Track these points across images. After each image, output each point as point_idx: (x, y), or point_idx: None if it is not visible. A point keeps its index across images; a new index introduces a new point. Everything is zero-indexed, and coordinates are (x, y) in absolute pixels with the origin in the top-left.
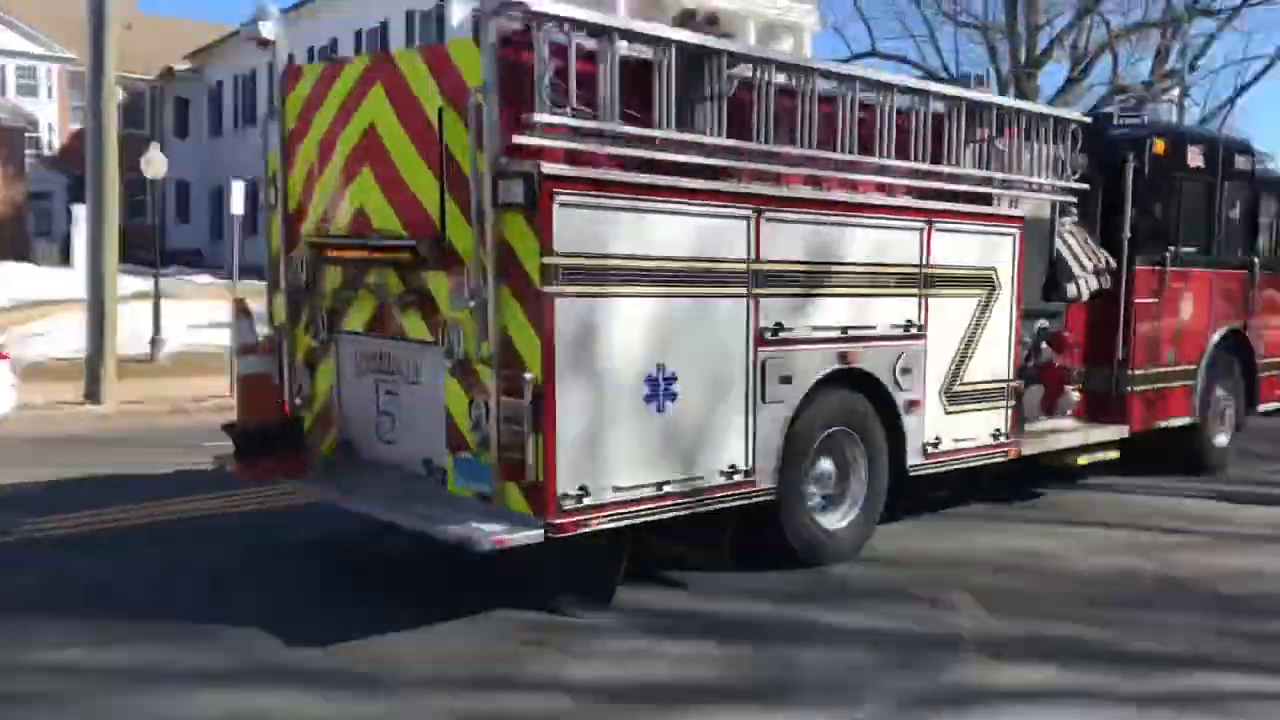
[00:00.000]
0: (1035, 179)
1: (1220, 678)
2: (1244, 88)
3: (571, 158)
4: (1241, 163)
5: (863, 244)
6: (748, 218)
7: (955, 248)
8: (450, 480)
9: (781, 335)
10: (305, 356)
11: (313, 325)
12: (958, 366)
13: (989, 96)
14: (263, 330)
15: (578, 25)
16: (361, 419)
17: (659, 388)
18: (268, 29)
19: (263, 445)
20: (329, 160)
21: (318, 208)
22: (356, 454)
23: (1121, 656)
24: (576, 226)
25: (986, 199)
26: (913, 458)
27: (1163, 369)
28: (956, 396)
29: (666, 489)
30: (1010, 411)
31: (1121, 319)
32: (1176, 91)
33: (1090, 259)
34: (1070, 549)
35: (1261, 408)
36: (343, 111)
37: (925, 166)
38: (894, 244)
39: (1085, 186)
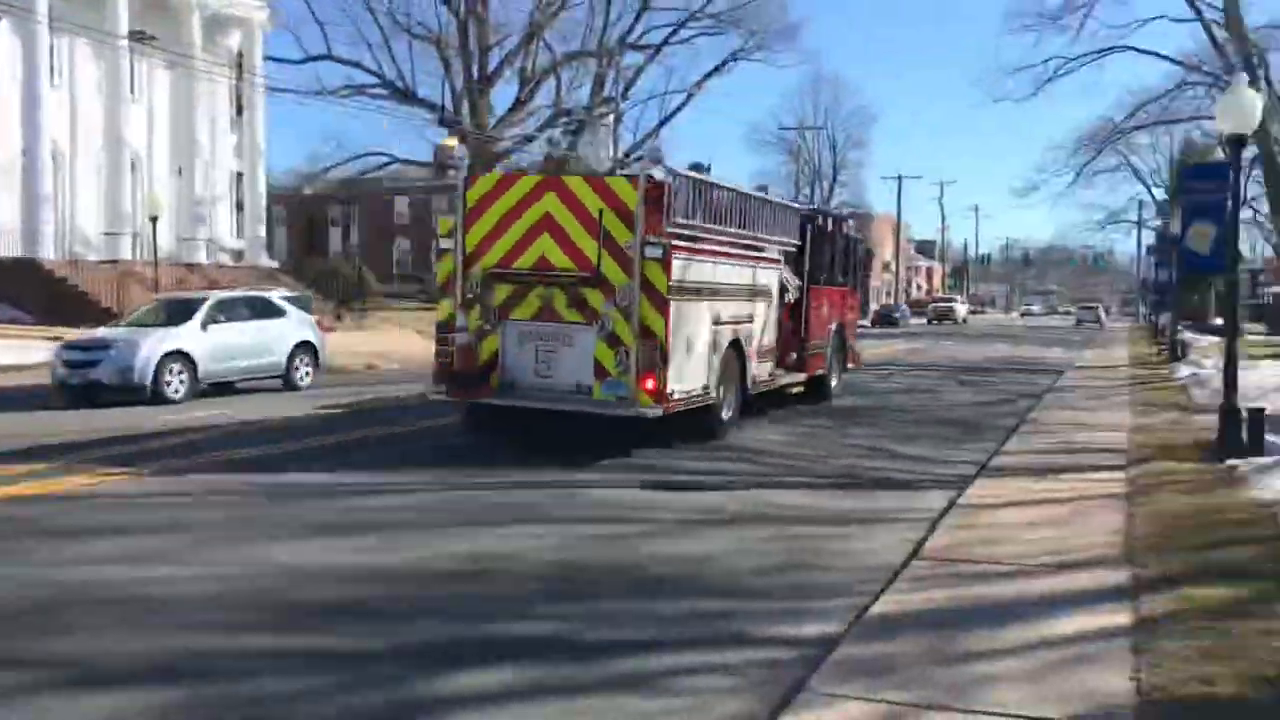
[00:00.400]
0: (780, 239)
1: (664, 658)
2: (667, 118)
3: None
4: (847, 228)
5: (739, 275)
6: (709, 263)
7: (761, 276)
8: (596, 391)
9: (719, 322)
10: (476, 334)
11: (484, 317)
12: (761, 338)
13: (767, 196)
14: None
15: (661, 182)
16: (523, 367)
17: (694, 348)
18: (460, 150)
19: (466, 382)
20: (507, 229)
21: (496, 254)
22: (516, 387)
23: (578, 647)
24: (679, 269)
25: (767, 250)
26: (749, 386)
27: (816, 343)
28: (762, 354)
29: (692, 394)
30: (775, 362)
31: (803, 315)
32: (612, 117)
33: (793, 280)
34: (526, 549)
35: (850, 367)
36: (521, 203)
37: (753, 234)
38: (744, 274)
39: (799, 242)
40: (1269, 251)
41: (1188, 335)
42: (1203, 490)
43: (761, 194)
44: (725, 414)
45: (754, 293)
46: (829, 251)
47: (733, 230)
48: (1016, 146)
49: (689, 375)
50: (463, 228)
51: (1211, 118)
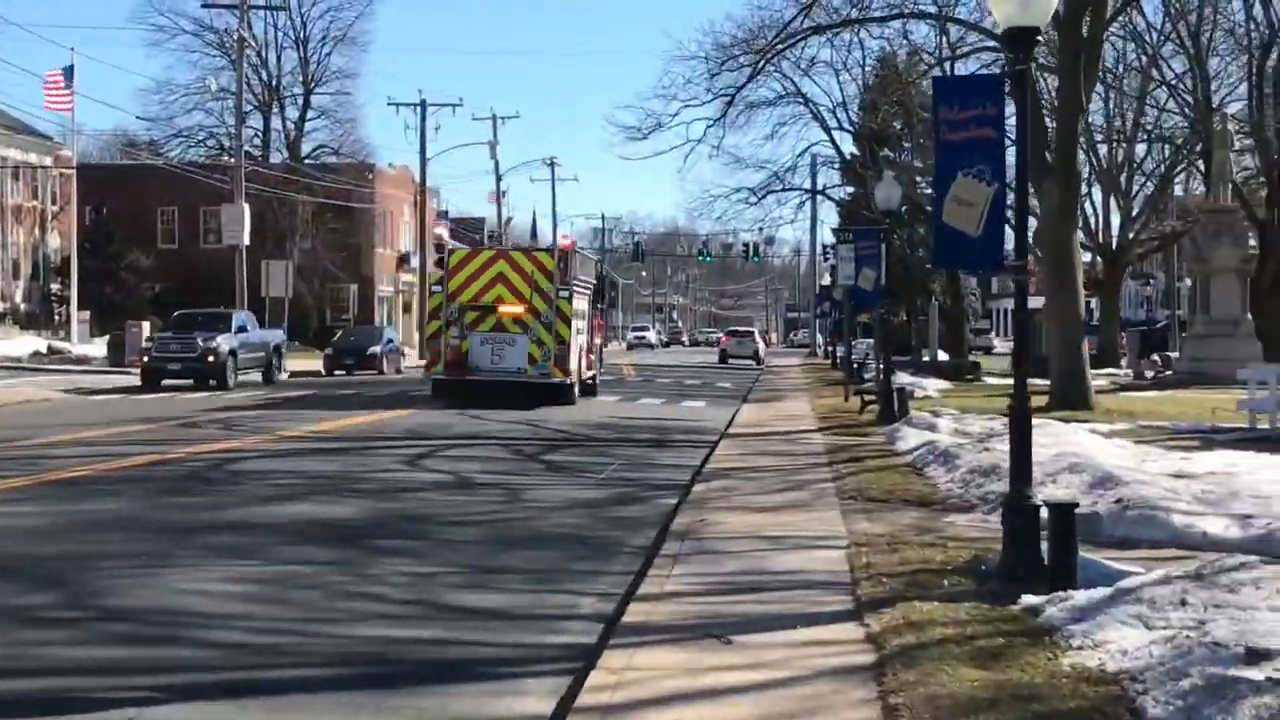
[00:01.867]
0: (588, 279)
1: None
2: None
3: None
4: (604, 269)
5: (583, 305)
6: (581, 298)
7: (584, 304)
8: (529, 371)
9: (579, 333)
10: (444, 339)
11: (458, 329)
12: (588, 345)
13: (583, 254)
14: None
15: (566, 253)
16: (484, 359)
17: (583, 349)
18: (446, 236)
19: (454, 367)
20: (475, 280)
21: (468, 294)
22: (480, 370)
23: None
24: (580, 306)
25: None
26: (585, 375)
27: (594, 353)
28: (590, 350)
29: (577, 374)
30: (598, 362)
31: (592, 332)
32: None
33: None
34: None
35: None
36: (484, 266)
37: (584, 279)
38: (583, 305)
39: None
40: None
41: (903, 379)
42: (996, 658)
43: (584, 251)
44: (577, 389)
45: (587, 316)
46: (600, 288)
47: (583, 278)
48: (631, 74)
49: (575, 363)
50: (446, 280)
51: (925, 15)
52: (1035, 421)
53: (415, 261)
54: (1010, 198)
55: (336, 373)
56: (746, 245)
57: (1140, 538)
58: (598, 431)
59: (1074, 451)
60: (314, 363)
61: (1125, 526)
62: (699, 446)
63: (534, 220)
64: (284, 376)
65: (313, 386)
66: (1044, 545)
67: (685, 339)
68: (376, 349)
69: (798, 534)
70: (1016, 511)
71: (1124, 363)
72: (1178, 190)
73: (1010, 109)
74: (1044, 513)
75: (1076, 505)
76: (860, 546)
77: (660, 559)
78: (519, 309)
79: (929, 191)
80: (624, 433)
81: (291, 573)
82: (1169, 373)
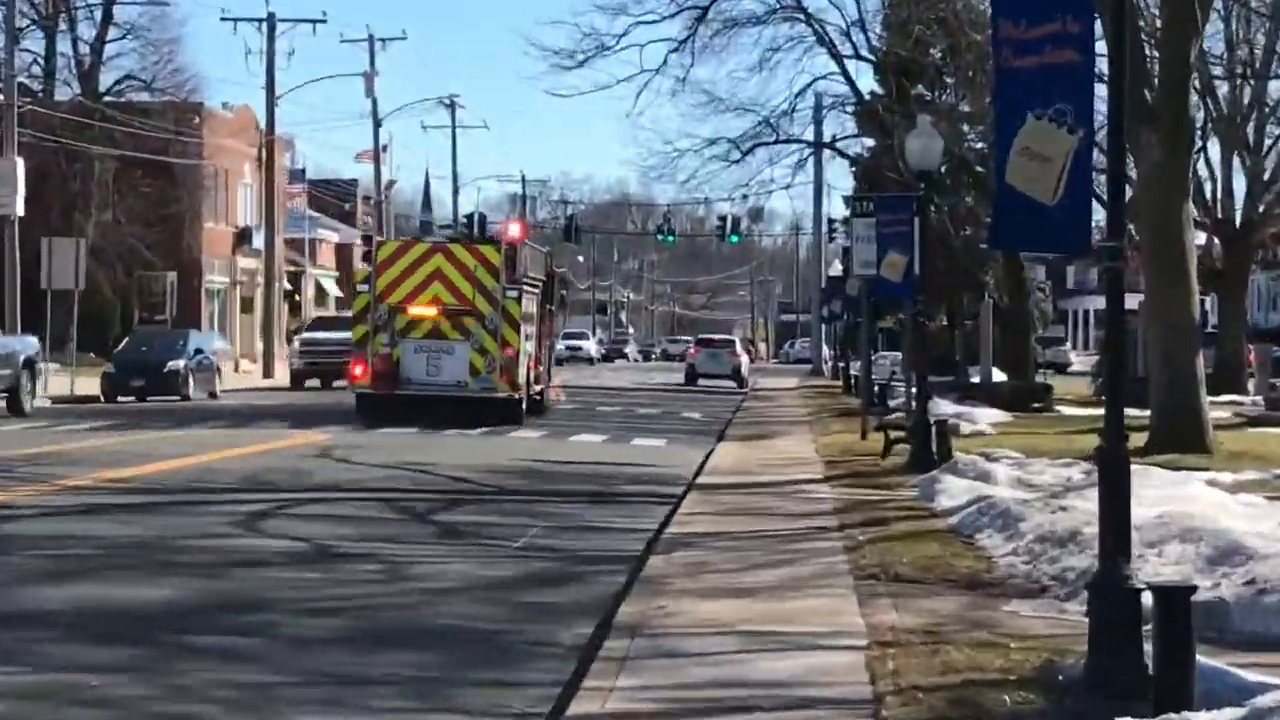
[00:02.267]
0: (538, 275)
1: None
2: None
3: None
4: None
5: (532, 306)
6: (532, 298)
7: (532, 306)
8: (470, 384)
9: (528, 339)
10: (372, 347)
11: (387, 336)
12: (536, 354)
13: (532, 246)
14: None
15: (514, 245)
16: (418, 371)
17: (532, 358)
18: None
19: (384, 380)
20: (408, 278)
21: (400, 294)
22: (412, 383)
23: None
24: (530, 309)
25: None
26: (534, 389)
27: (546, 364)
28: (539, 360)
29: (521, 387)
30: (548, 374)
31: (543, 337)
32: None
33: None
34: None
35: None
36: (418, 262)
37: (534, 274)
38: (532, 306)
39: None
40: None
41: (945, 408)
42: None
43: (539, 247)
44: (525, 405)
45: (539, 319)
46: (550, 286)
47: (533, 275)
48: None
49: (523, 375)
50: (375, 276)
51: None
52: (1132, 469)
53: (260, 240)
54: (1100, 156)
55: (122, 398)
56: (724, 220)
57: None
58: (514, 481)
59: (1186, 511)
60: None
61: (1261, 618)
62: (657, 503)
63: (426, 184)
64: (39, 403)
65: (83, 418)
66: (1147, 645)
67: (632, 350)
68: (178, 364)
69: (796, 628)
70: (1108, 598)
71: (1251, 385)
72: None
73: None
74: (1147, 598)
75: (1194, 589)
76: (885, 646)
77: (601, 664)
78: (459, 312)
79: (982, 145)
80: (550, 482)
81: (67, 685)
82: None
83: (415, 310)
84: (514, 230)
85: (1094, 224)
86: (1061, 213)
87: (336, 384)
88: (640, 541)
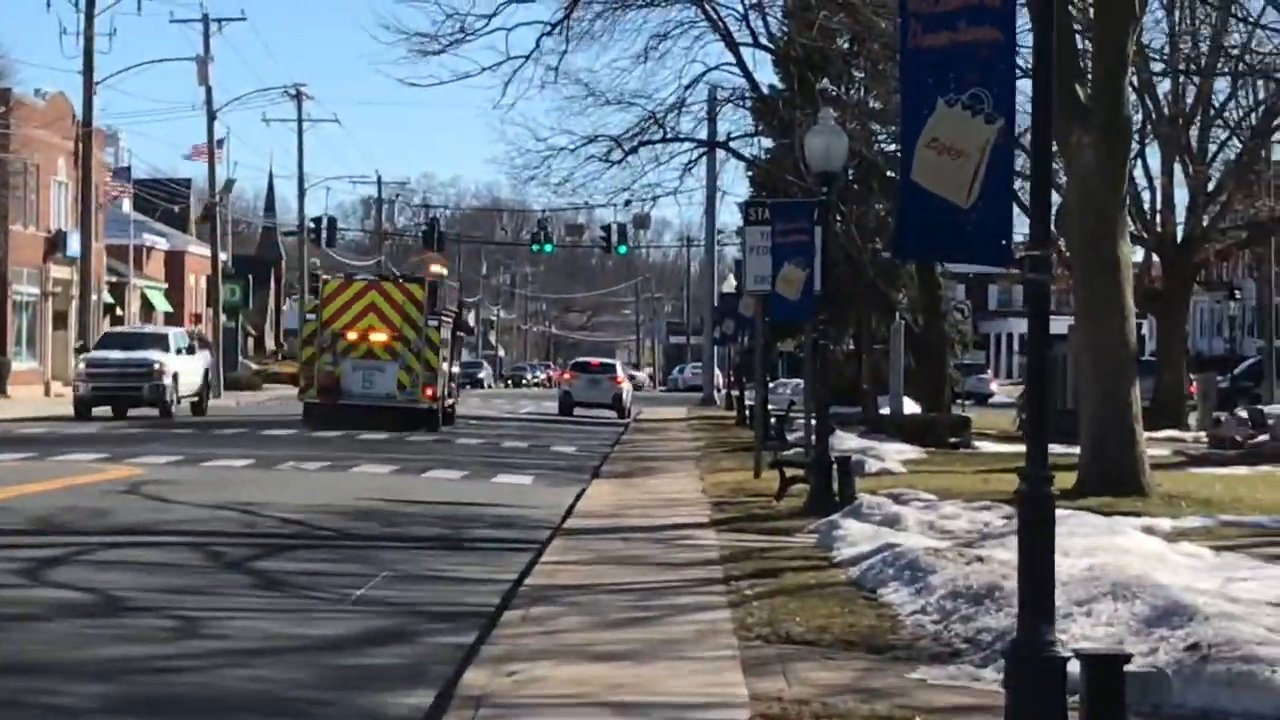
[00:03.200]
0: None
1: None
2: None
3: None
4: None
5: (447, 333)
6: (447, 326)
7: (448, 333)
8: (397, 397)
9: (444, 360)
10: (317, 366)
11: (331, 356)
12: (449, 372)
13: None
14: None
15: (435, 284)
16: (356, 385)
17: (446, 376)
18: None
19: (326, 392)
20: (348, 309)
21: (341, 323)
22: (352, 395)
23: None
24: (445, 335)
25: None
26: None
27: (456, 381)
28: (451, 379)
29: (443, 399)
30: (457, 390)
31: (452, 359)
32: None
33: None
34: None
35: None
36: (356, 296)
37: (451, 310)
38: (446, 333)
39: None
40: None
41: (849, 443)
42: None
43: (445, 278)
44: (441, 415)
45: (451, 344)
46: (460, 317)
47: (449, 308)
48: None
49: (441, 389)
50: (320, 308)
51: None
52: (1058, 514)
53: (75, 246)
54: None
55: None
56: (607, 230)
57: (1230, 709)
58: (354, 524)
59: (1119, 564)
60: None
61: (1205, 690)
62: (517, 549)
63: (270, 184)
64: None
65: None
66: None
67: (487, 376)
68: None
69: (669, 698)
70: (1028, 668)
71: (1193, 419)
72: (1277, 152)
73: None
74: (1074, 666)
75: (1128, 658)
76: None
77: None
78: (387, 337)
79: (894, 147)
80: (396, 525)
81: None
82: (1263, 438)
83: (353, 335)
84: (435, 268)
85: (1017, 231)
86: (978, 216)
87: (133, 413)
88: (495, 595)
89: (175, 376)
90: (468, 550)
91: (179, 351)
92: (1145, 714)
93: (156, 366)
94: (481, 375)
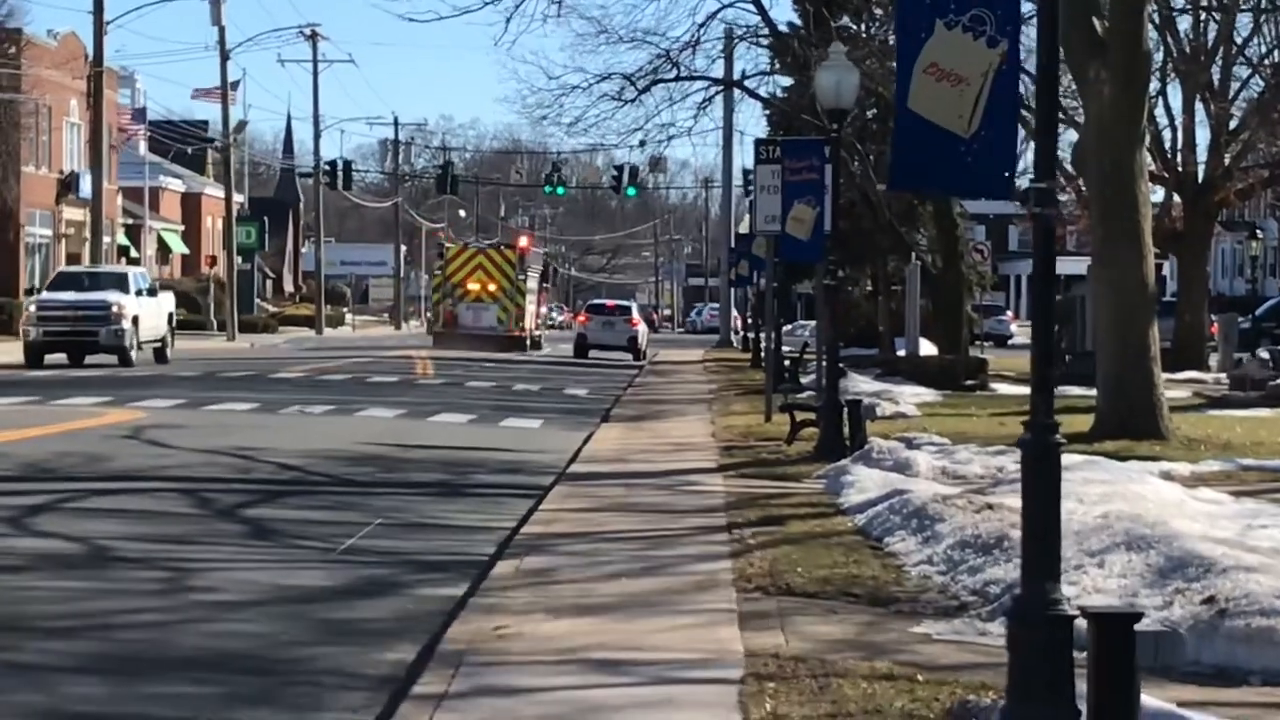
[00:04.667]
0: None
1: None
2: None
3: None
4: (549, 260)
5: (534, 284)
6: (533, 279)
7: (534, 283)
8: (498, 328)
9: (532, 304)
10: (442, 307)
11: (451, 300)
12: (536, 311)
13: (535, 250)
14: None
15: (522, 250)
16: (471, 320)
17: (532, 314)
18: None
19: (449, 324)
20: (464, 268)
21: (458, 278)
22: (466, 327)
23: None
24: (531, 285)
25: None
26: (534, 332)
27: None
28: (537, 316)
29: (532, 331)
30: (543, 324)
31: (539, 304)
32: None
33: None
34: None
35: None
36: (470, 259)
37: (535, 267)
38: (534, 283)
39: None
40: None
41: (862, 385)
42: None
43: (538, 249)
44: (529, 342)
45: (536, 291)
46: (545, 272)
47: (535, 266)
48: None
49: (528, 324)
50: (445, 269)
51: None
52: (1073, 459)
53: (87, 187)
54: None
55: None
56: (620, 170)
57: (1248, 667)
58: (353, 469)
59: (1134, 512)
60: None
61: (1222, 647)
62: (518, 496)
63: (288, 126)
64: None
65: None
66: (1081, 684)
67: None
68: None
69: (660, 654)
70: (1033, 629)
71: (1214, 361)
72: None
73: None
74: (1082, 624)
75: (1139, 616)
76: (764, 680)
77: (411, 704)
78: (492, 287)
79: None
80: (395, 469)
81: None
82: None
83: (468, 285)
84: (523, 241)
85: (1022, 162)
86: (979, 146)
87: (90, 360)
88: (491, 543)
89: (135, 320)
90: (467, 496)
91: (140, 293)
92: (1157, 671)
93: (115, 309)
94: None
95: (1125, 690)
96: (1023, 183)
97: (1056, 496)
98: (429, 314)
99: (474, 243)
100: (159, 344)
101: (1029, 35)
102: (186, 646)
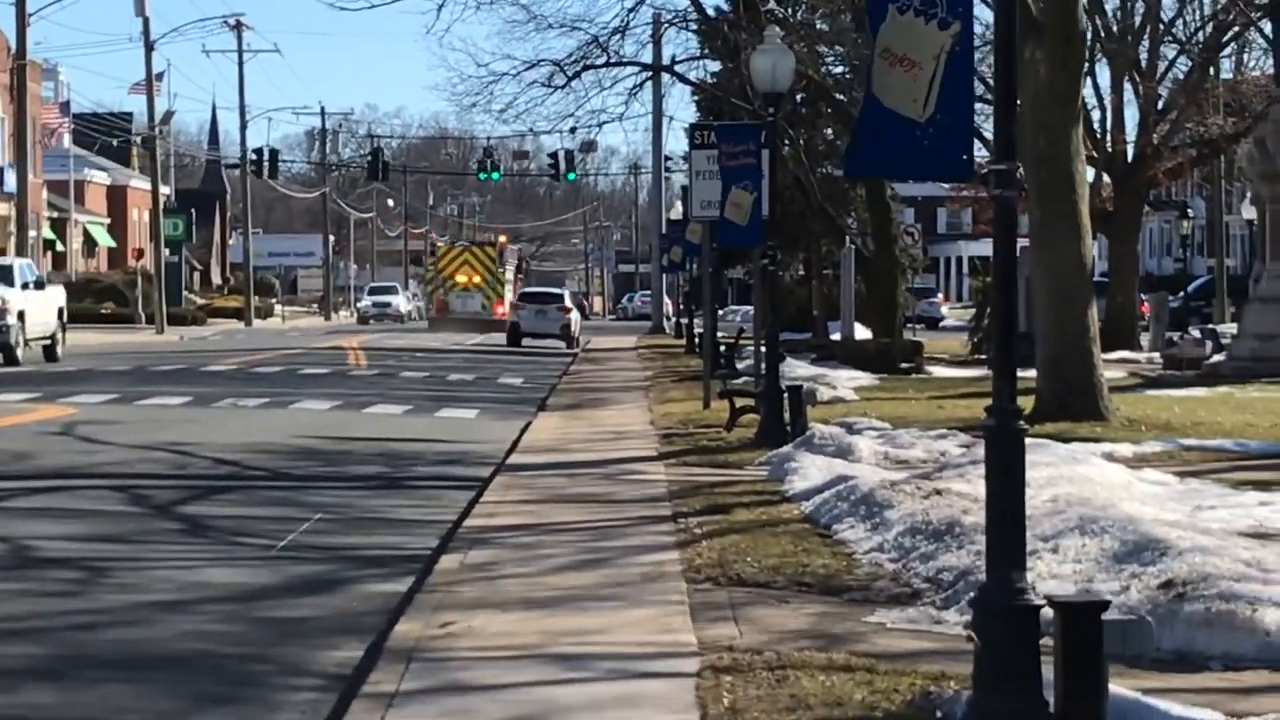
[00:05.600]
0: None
1: None
2: None
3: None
4: (525, 257)
5: (510, 275)
6: (509, 271)
7: (511, 274)
8: (482, 313)
9: (510, 291)
10: (435, 297)
11: (443, 290)
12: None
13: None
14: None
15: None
16: (460, 306)
17: (509, 302)
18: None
19: (442, 309)
20: (453, 263)
21: (449, 270)
22: (456, 311)
23: None
24: (509, 277)
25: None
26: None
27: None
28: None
29: (506, 315)
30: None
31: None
32: None
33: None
34: None
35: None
36: (457, 255)
37: (511, 263)
38: (510, 274)
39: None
40: None
41: (800, 370)
42: None
43: (513, 246)
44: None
45: (513, 281)
46: (520, 266)
47: (512, 261)
48: None
49: (506, 310)
50: (435, 265)
51: None
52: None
53: (11, 182)
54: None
55: None
56: (554, 156)
57: (1208, 651)
58: (290, 463)
59: (1083, 495)
60: None
61: (1181, 631)
62: (459, 487)
63: (214, 116)
64: None
65: None
66: (1047, 672)
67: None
68: None
69: (613, 648)
70: (999, 619)
71: (1145, 340)
72: (1228, 68)
73: None
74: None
75: (1106, 604)
76: (721, 673)
77: (362, 702)
78: (476, 279)
79: (842, 69)
80: (333, 463)
81: None
82: (1219, 357)
83: (456, 278)
84: (501, 239)
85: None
86: (935, 130)
87: None
88: (434, 537)
89: (21, 315)
90: (406, 490)
91: (25, 286)
92: (1118, 659)
93: None
94: (393, 303)
95: (1093, 680)
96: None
97: (1021, 483)
98: (426, 303)
99: (460, 242)
100: (48, 341)
101: (979, 18)
102: (128, 650)
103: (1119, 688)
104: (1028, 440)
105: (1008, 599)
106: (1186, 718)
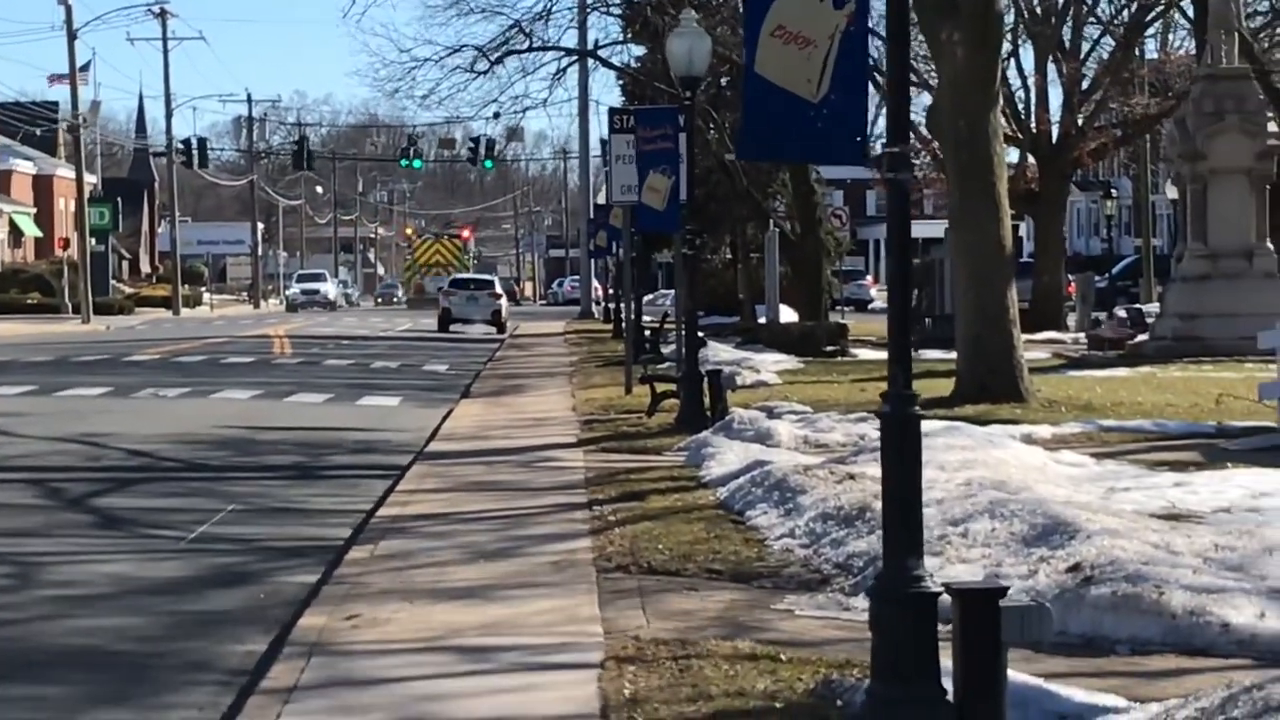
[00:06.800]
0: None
1: None
2: None
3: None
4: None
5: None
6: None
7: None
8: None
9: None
10: (414, 281)
11: (419, 275)
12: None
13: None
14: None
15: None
16: (432, 287)
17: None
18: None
19: (421, 292)
20: (427, 251)
21: (424, 258)
22: (429, 292)
23: None
24: (468, 261)
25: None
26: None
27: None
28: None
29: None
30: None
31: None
32: None
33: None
34: None
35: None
36: (429, 245)
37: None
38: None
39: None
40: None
41: (722, 354)
42: None
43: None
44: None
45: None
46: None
47: (472, 251)
48: None
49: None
50: (412, 254)
51: None
52: (934, 425)
53: None
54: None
55: None
56: (474, 141)
57: (1115, 635)
58: (206, 453)
59: (997, 478)
60: None
61: (1088, 616)
62: (376, 476)
63: (140, 105)
64: None
65: None
66: (946, 660)
67: (331, 291)
68: None
69: (518, 639)
70: (895, 604)
71: (1072, 320)
72: (1152, 49)
73: None
74: (946, 598)
75: (1005, 591)
76: (624, 663)
77: (260, 698)
78: (445, 262)
79: None
80: (250, 453)
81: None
82: (1142, 338)
83: (430, 262)
84: (465, 232)
85: (874, 128)
86: (829, 111)
87: None
88: (347, 527)
89: None
90: (323, 479)
91: None
92: (1022, 645)
93: None
94: (322, 290)
95: (991, 667)
96: (877, 147)
97: (917, 470)
98: (405, 288)
99: (431, 234)
100: None
101: None
102: (29, 645)
103: (1020, 674)
104: (944, 423)
105: (904, 587)
106: (1088, 703)
